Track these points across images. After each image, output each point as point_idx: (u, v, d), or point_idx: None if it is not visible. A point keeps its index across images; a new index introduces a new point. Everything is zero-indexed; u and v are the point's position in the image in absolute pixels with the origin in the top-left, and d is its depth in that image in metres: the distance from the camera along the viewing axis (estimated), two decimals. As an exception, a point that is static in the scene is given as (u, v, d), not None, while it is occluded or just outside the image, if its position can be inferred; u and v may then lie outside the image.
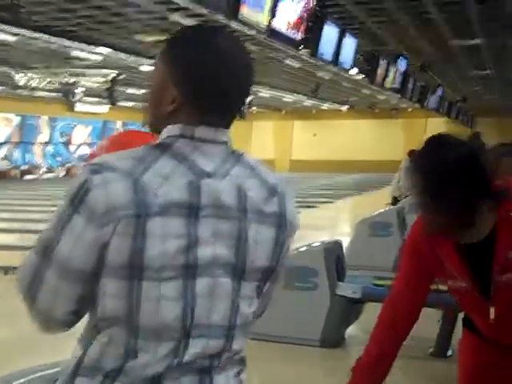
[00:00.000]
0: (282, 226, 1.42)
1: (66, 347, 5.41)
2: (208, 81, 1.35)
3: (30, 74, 17.43)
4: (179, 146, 1.34)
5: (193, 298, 1.29)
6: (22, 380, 1.95)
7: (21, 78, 17.80)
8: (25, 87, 20.07)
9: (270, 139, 35.67)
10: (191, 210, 1.29)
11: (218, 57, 1.35)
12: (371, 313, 5.42)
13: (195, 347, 1.30)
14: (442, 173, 1.90)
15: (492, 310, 2.00)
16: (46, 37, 11.56)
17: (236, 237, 1.34)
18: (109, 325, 1.30)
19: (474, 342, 2.22)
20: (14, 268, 6.88)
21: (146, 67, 16.04)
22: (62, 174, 30.74)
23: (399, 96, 17.57)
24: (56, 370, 1.94)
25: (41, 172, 29.89)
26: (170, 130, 1.36)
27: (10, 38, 11.92)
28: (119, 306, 1.28)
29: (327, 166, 32.70)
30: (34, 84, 18.40)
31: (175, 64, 1.37)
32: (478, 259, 1.99)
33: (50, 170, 30.41)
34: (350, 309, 5.29)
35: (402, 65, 14.65)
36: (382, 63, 13.36)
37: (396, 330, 2.21)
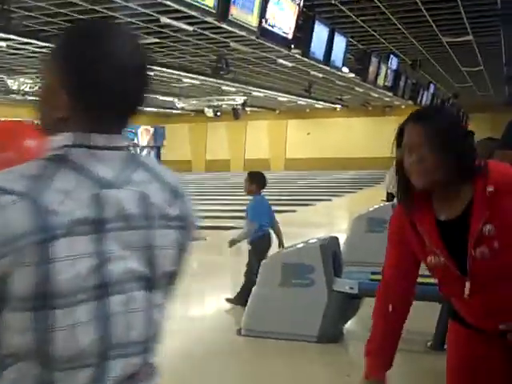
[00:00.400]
0: (186, 228, 1.37)
1: None
2: (99, 84, 1.24)
3: (22, 79, 17.44)
4: (76, 155, 1.22)
5: (108, 317, 1.21)
6: None
7: (13, 83, 17.79)
8: (17, 92, 20.06)
9: (264, 139, 35.68)
10: (97, 226, 1.19)
11: (109, 58, 1.24)
12: (369, 308, 5.47)
13: (116, 370, 1.22)
14: (448, 128, 2.04)
15: (467, 285, 2.06)
16: (37, 42, 11.57)
17: (145, 246, 1.27)
18: (16, 360, 1.18)
19: (460, 333, 2.26)
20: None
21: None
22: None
23: (392, 94, 17.62)
24: None
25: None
26: (63, 139, 1.24)
27: (2, 44, 11.94)
28: (28, 339, 1.16)
29: (322, 164, 32.74)
30: (26, 89, 18.39)
31: (65, 67, 1.25)
32: (456, 235, 2.06)
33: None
34: (347, 304, 5.32)
35: (393, 63, 14.72)
36: (374, 61, 13.41)
37: (394, 315, 2.28)
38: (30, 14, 10.15)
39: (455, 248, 2.06)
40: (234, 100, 25.43)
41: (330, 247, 5.48)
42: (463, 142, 2.05)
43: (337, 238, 5.81)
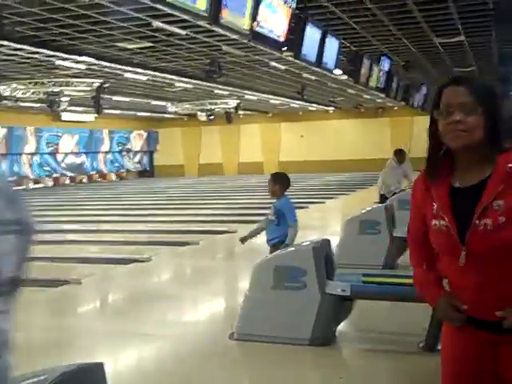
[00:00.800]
0: (24, 232, 1.34)
1: (49, 358, 5.38)
2: None
3: (14, 85, 17.40)
4: None
5: None
6: None
7: (5, 89, 17.75)
8: (10, 98, 20.00)
9: (257, 142, 35.66)
10: None
11: None
12: (361, 310, 5.48)
13: None
14: (489, 91, 2.21)
15: (463, 254, 2.11)
16: (29, 48, 11.55)
17: None
18: None
19: (454, 333, 2.25)
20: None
21: (131, 74, 16.06)
22: (50, 183, 30.69)
23: (384, 95, 17.65)
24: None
25: (29, 182, 29.78)
26: None
27: (-6, 50, 11.93)
28: None
29: (316, 167, 32.74)
30: (18, 95, 18.35)
31: None
32: (466, 203, 2.14)
33: (37, 181, 30.33)
34: (339, 307, 5.29)
35: (385, 64, 14.74)
36: (366, 63, 13.42)
37: (427, 266, 2.37)
38: (23, 19, 10.12)
39: (462, 215, 2.13)
40: (226, 103, 25.45)
41: (322, 250, 5.44)
42: (500, 107, 2.18)
43: (329, 241, 5.79)
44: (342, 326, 5.45)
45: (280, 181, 6.48)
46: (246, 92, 21.60)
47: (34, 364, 4.65)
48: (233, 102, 25.28)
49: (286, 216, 6.29)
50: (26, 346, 5.54)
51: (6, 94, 18.18)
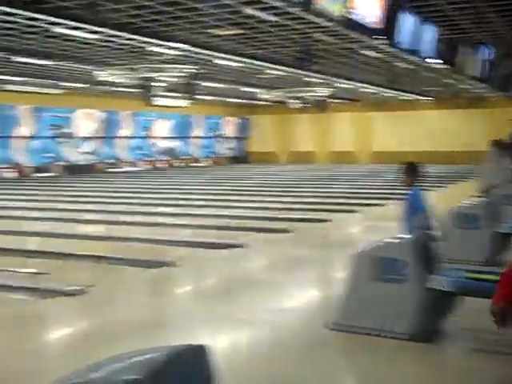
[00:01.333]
0: None
1: (148, 337, 5.49)
2: None
3: (110, 71, 17.81)
4: None
5: None
6: (108, 367, 1.98)
7: (101, 75, 18.19)
8: (106, 84, 20.52)
9: (349, 131, 35.22)
10: None
11: None
12: (468, 308, 5.17)
13: None
14: None
15: None
16: (124, 34, 11.74)
17: None
18: None
19: None
20: (105, 257, 7.02)
21: (222, 61, 16.10)
22: (145, 166, 31.42)
23: (483, 85, 16.97)
24: (142, 357, 2.01)
25: (124, 165, 30.62)
26: None
27: (90, 36, 12.20)
28: None
29: (410, 158, 31.97)
30: (114, 80, 18.78)
31: None
32: None
33: (133, 163, 31.13)
34: (442, 303, 5.11)
35: (484, 53, 14.13)
36: (465, 51, 12.90)
37: None
38: (118, 6, 10.28)
39: None
40: (318, 92, 25.17)
41: (422, 242, 5.29)
42: None
43: (430, 233, 5.60)
44: (445, 323, 5.20)
45: (412, 170, 6.49)
46: (338, 80, 21.29)
47: (133, 342, 4.73)
48: (325, 90, 24.97)
49: (417, 205, 6.31)
50: (125, 324, 5.66)
51: (102, 79, 18.65)
